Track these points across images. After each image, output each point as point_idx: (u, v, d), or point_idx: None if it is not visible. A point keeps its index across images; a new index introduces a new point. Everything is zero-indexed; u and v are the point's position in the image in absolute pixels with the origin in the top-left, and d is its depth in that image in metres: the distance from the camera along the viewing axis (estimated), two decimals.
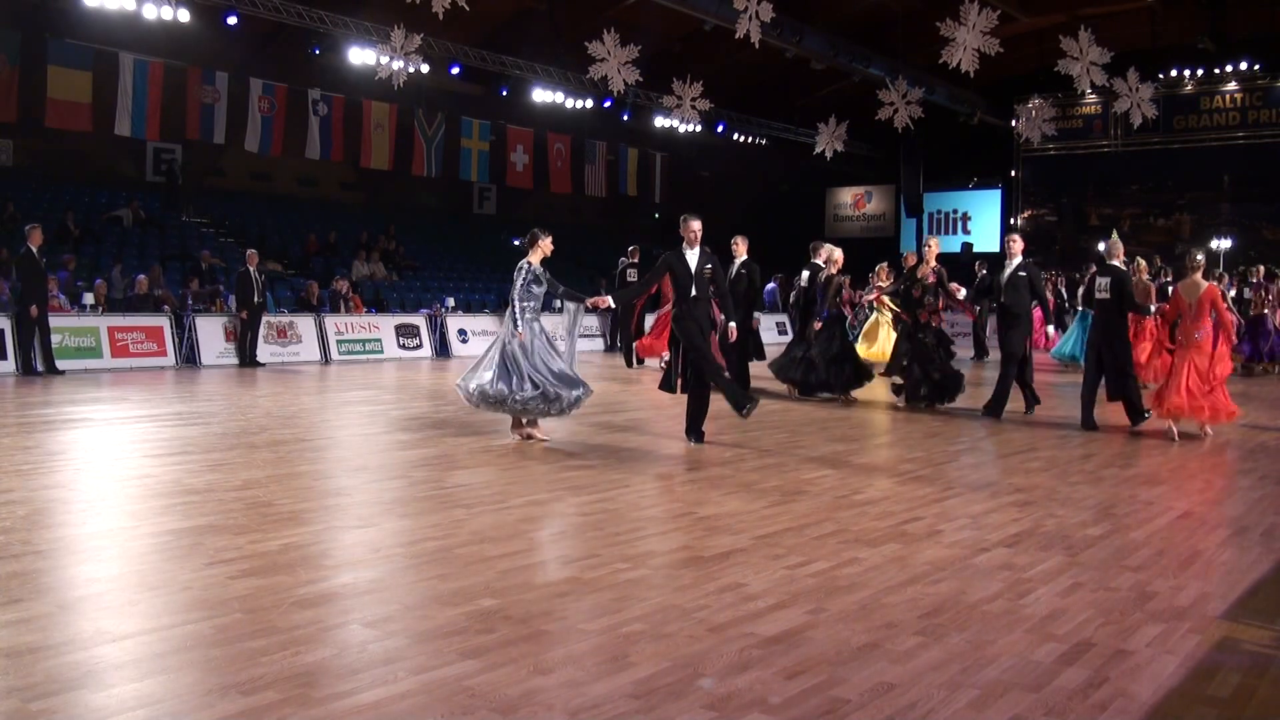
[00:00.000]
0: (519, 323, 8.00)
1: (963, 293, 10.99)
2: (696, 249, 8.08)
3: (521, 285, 8.08)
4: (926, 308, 10.84)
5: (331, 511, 5.74)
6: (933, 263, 10.80)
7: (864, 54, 21.97)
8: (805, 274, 11.95)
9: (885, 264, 14.87)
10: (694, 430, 8.27)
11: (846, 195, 33.92)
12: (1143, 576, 4.57)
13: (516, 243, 26.56)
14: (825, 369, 11.47)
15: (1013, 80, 26.40)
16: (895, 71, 21.98)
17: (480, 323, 19.60)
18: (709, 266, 8.08)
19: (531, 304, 8.11)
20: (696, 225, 8.17)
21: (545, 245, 8.28)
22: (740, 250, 11.56)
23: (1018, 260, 10.31)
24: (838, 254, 11.79)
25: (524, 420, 8.21)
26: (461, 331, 18.98)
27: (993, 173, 30.39)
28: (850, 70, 22.29)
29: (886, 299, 13.37)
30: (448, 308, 19.37)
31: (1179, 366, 9.04)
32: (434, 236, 25.42)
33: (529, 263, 8.17)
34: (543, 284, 8.20)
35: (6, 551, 4.61)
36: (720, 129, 25.60)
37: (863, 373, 11.64)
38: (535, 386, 7.87)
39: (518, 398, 7.87)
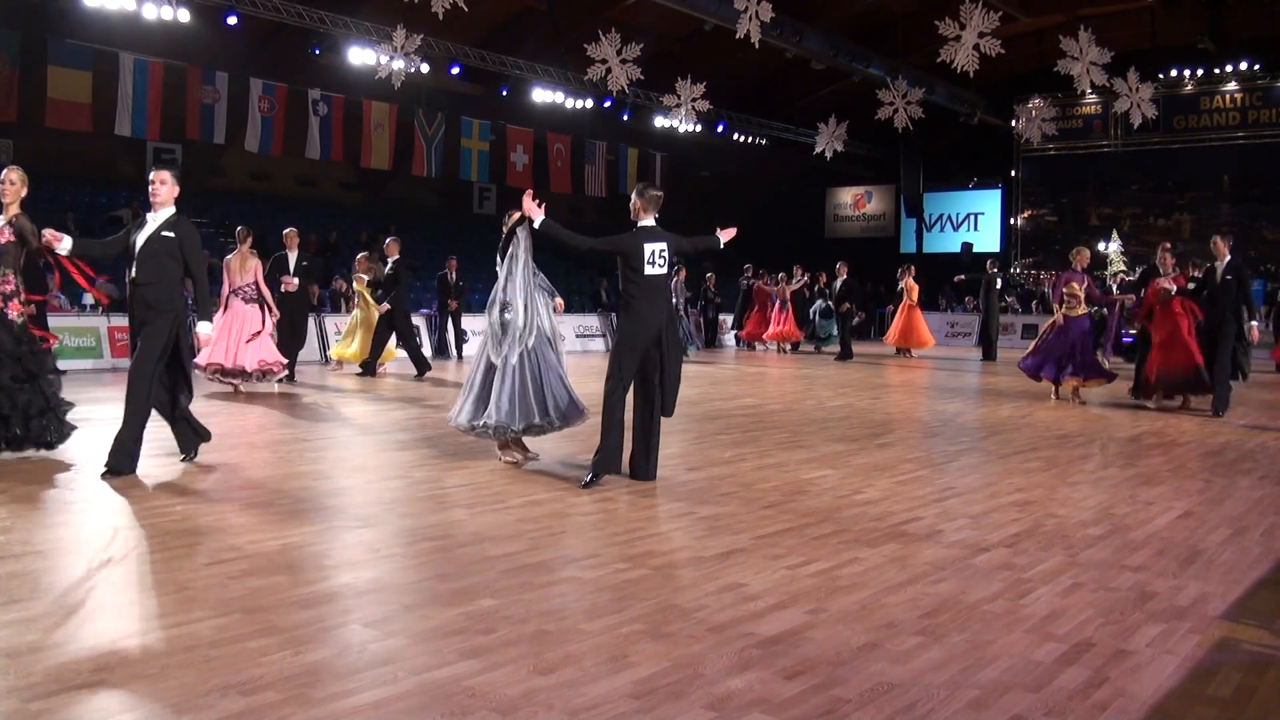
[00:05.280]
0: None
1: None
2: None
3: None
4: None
5: (331, 511, 5.74)
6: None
7: (864, 54, 21.97)
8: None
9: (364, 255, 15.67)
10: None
11: (846, 195, 33.92)
12: (1143, 576, 4.57)
13: None
14: None
15: (1013, 80, 26.40)
16: (895, 71, 21.98)
17: (481, 323, 19.52)
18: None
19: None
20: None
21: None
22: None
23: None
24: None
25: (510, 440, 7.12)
26: (462, 332, 18.98)
27: (993, 173, 30.39)
28: (850, 70, 22.28)
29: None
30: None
31: None
32: (434, 236, 25.41)
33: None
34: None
35: (6, 551, 4.61)
36: (720, 129, 25.59)
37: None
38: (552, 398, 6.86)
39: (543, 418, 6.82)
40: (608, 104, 22.23)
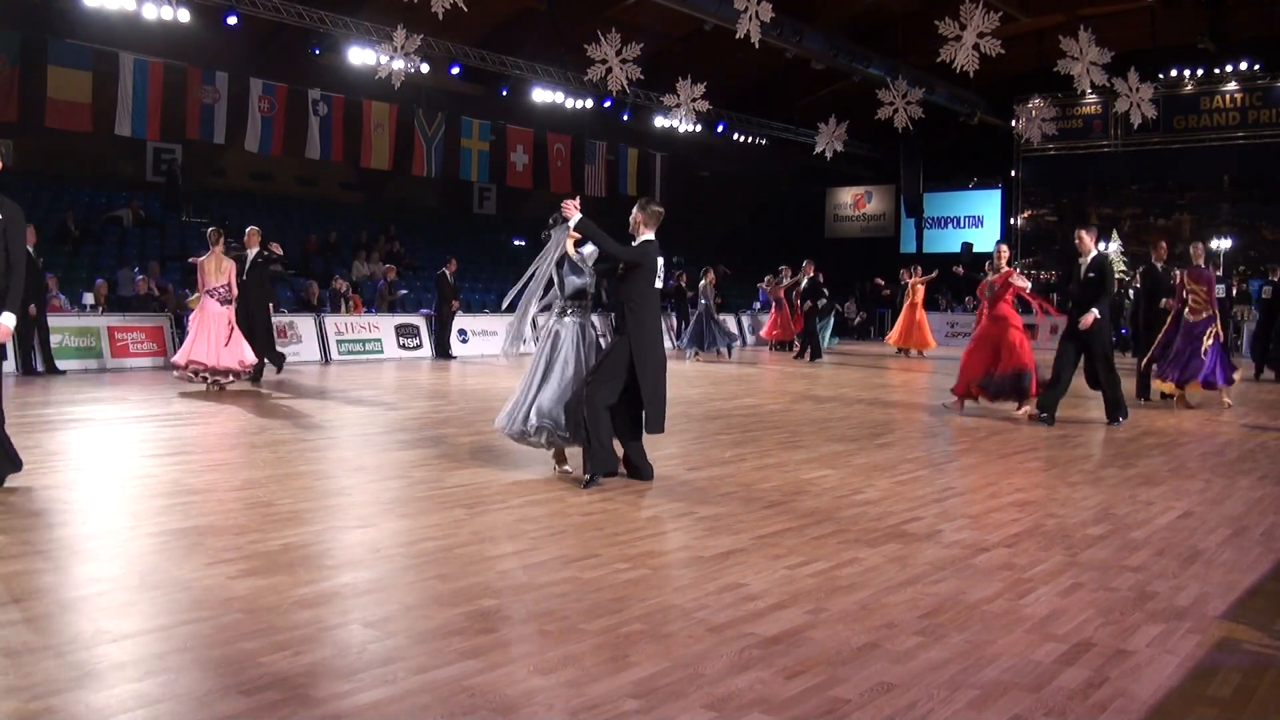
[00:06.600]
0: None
1: None
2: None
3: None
4: None
5: (331, 511, 5.74)
6: None
7: (864, 54, 21.98)
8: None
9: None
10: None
11: (846, 195, 33.93)
12: (1143, 576, 4.57)
13: (517, 243, 26.55)
14: None
15: (1013, 80, 26.42)
16: (895, 71, 21.99)
17: (480, 323, 19.58)
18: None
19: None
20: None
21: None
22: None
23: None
24: None
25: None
26: (462, 332, 18.98)
27: (993, 173, 30.40)
28: (850, 70, 22.29)
29: None
30: None
31: None
32: (434, 236, 25.43)
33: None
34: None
35: (6, 551, 4.60)
36: (720, 129, 25.60)
37: None
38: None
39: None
40: (608, 104, 22.24)
